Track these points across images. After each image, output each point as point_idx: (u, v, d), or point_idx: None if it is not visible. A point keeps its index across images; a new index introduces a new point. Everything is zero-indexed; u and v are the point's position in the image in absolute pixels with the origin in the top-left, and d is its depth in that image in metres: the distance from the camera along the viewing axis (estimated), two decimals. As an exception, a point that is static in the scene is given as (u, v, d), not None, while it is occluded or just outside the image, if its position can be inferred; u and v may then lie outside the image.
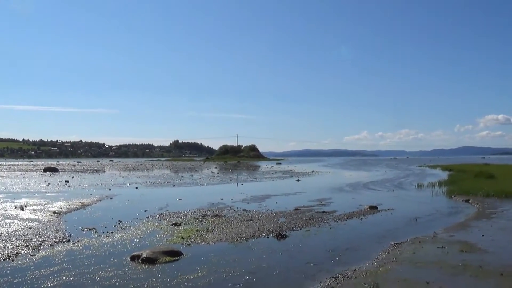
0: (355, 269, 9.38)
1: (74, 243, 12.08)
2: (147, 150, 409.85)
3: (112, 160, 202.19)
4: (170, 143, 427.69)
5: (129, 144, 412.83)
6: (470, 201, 22.09)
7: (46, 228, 14.32)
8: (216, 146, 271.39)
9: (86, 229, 14.28)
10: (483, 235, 12.84)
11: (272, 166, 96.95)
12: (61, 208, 19.57)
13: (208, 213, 17.89)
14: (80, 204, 21.41)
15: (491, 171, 41.48)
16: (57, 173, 61.83)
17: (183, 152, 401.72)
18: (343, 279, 8.64)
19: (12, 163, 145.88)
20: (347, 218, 16.72)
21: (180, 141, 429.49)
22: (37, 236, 12.94)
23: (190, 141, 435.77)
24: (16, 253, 10.88)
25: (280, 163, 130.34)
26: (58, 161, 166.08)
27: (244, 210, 19.19)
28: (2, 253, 10.86)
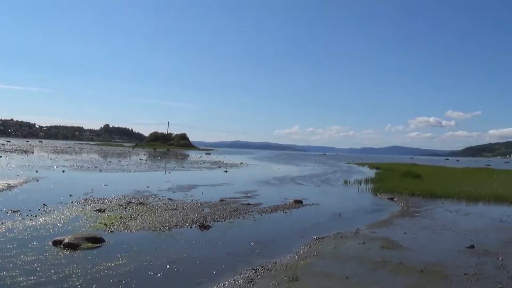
0: (275, 262, 9.79)
1: (-2, 225, 12.06)
2: (77, 133, 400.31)
3: (42, 141, 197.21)
4: (101, 127, 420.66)
5: (60, 126, 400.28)
6: (395, 199, 23.29)
7: (-32, 209, 14.16)
8: (147, 132, 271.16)
9: (10, 211, 14.32)
10: (405, 233, 13.66)
11: (201, 156, 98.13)
12: (-14, 188, 19.23)
13: (133, 201, 18.12)
14: (6, 185, 21.34)
15: (418, 171, 43.59)
16: (-16, 152, 60.12)
17: (113, 137, 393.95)
18: (263, 271, 9.00)
19: None
20: (272, 211, 17.27)
21: (110, 126, 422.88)
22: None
23: (120, 126, 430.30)
24: None
25: (209, 153, 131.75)
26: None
27: (170, 199, 19.49)
28: None
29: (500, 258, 10.49)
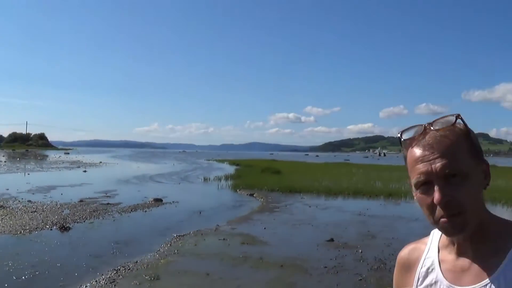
0: (136, 261, 9.79)
1: None
2: None
3: None
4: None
5: None
6: (254, 195, 23.90)
7: None
8: (5, 133, 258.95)
9: None
10: (265, 228, 14.04)
11: (60, 156, 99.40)
12: None
13: (-7, 204, 17.47)
14: None
15: (278, 167, 45.05)
16: None
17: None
18: (125, 271, 9.01)
19: None
20: (132, 211, 17.40)
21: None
22: None
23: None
24: None
25: (68, 153, 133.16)
26: None
27: (29, 201, 19.37)
28: None
29: (360, 251, 11.02)
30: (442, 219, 1.28)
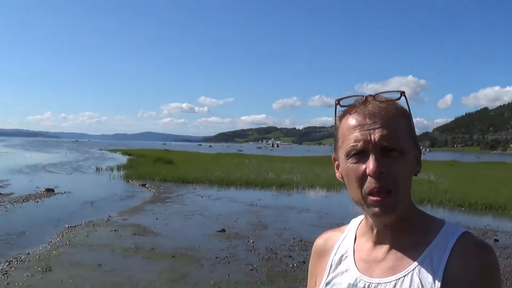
0: (29, 253, 9.57)
1: None
2: None
3: None
4: None
5: None
6: (147, 185, 23.72)
7: None
8: None
9: None
10: (157, 219, 13.93)
11: None
12: None
13: None
14: None
15: (171, 157, 44.82)
16: None
17: None
18: (17, 263, 8.81)
19: None
20: (24, 201, 16.97)
21: None
22: None
23: None
24: None
25: None
26: None
27: None
28: None
29: (251, 241, 11.17)
30: (373, 197, 1.19)
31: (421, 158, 1.31)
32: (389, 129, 1.19)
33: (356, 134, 1.21)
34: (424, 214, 1.31)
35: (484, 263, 1.16)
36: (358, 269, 1.30)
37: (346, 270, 1.34)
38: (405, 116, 1.25)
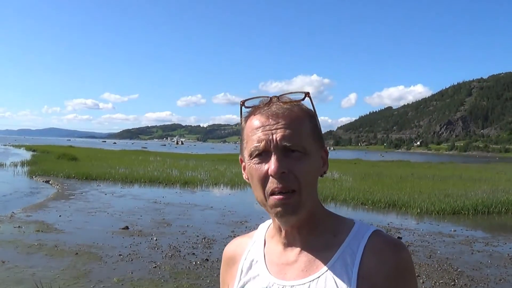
0: None
1: None
2: None
3: None
4: None
5: None
6: (50, 182, 23.07)
7: None
8: None
9: None
10: (60, 216, 13.60)
11: None
12: None
13: None
14: None
15: (75, 154, 43.57)
16: None
17: None
18: None
19: None
20: None
21: None
22: None
23: None
24: None
25: None
26: None
27: None
28: None
29: (155, 238, 11.13)
30: (275, 197, 1.17)
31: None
32: (291, 129, 1.17)
33: (259, 134, 1.19)
34: (334, 215, 1.30)
35: (397, 261, 1.16)
36: (270, 273, 1.27)
37: (258, 275, 1.30)
38: (310, 116, 1.24)
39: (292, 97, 1.24)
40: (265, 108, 1.22)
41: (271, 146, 1.17)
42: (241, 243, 1.43)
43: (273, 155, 1.16)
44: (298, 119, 1.20)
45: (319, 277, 1.19)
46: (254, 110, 1.25)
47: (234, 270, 1.38)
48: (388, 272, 1.15)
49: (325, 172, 1.28)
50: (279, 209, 1.17)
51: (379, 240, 1.21)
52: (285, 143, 1.16)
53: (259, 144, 1.18)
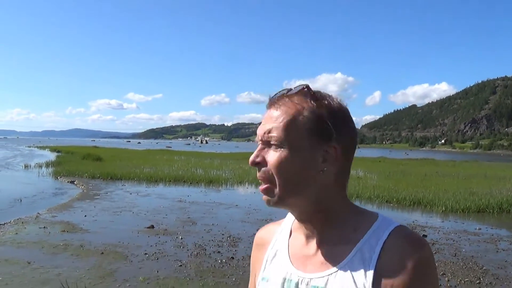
0: None
1: None
2: None
3: None
4: None
5: None
6: (75, 182, 23.30)
7: None
8: None
9: None
10: (85, 216, 13.71)
11: None
12: None
13: None
14: None
15: (99, 154, 43.95)
16: None
17: None
18: None
19: None
20: None
21: None
22: None
23: None
24: None
25: None
26: None
27: None
28: None
29: (180, 237, 11.17)
30: (260, 186, 1.25)
31: None
32: (277, 123, 1.20)
33: (259, 129, 1.27)
34: (356, 209, 1.30)
35: (416, 258, 1.13)
36: (292, 264, 1.29)
37: (281, 265, 1.32)
38: (308, 110, 1.21)
39: (296, 89, 1.25)
40: (274, 101, 1.25)
41: (260, 139, 1.24)
42: (270, 230, 1.46)
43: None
44: (290, 112, 1.20)
45: (337, 271, 1.19)
46: (269, 103, 1.27)
47: (261, 256, 1.41)
48: (406, 269, 1.12)
49: (322, 170, 1.22)
50: (263, 197, 1.25)
51: (400, 236, 1.18)
52: (266, 137, 1.22)
53: (256, 137, 1.27)
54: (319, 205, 1.24)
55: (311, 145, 1.20)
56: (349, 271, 1.17)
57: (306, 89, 1.23)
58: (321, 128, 1.20)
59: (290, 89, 1.25)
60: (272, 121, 1.21)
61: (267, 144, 1.22)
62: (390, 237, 1.18)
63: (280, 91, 1.26)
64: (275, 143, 1.20)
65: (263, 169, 1.22)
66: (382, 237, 1.18)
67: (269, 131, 1.21)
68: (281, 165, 1.19)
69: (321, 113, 1.20)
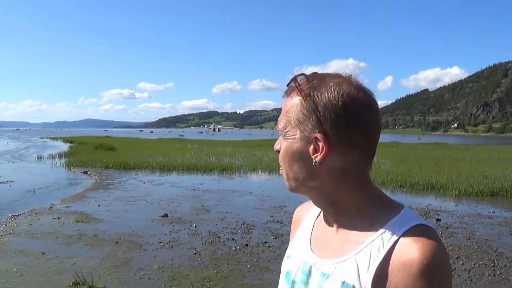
0: None
1: None
2: None
3: None
4: None
5: None
6: (88, 172, 23.44)
7: None
8: None
9: None
10: (99, 205, 13.79)
11: None
12: None
13: None
14: None
15: (112, 144, 44.16)
16: None
17: None
18: None
19: None
20: None
21: None
22: None
23: None
24: None
25: None
26: None
27: None
28: None
29: (194, 225, 11.19)
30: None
31: None
32: (283, 114, 1.26)
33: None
34: (379, 200, 1.26)
35: (423, 265, 1.07)
36: (310, 247, 1.33)
37: (303, 246, 1.36)
38: (307, 97, 1.20)
39: (302, 76, 1.25)
40: (291, 89, 1.27)
41: None
42: (306, 209, 1.50)
43: None
44: (289, 104, 1.25)
45: (345, 260, 1.20)
46: (287, 91, 1.29)
47: (294, 232, 1.49)
48: (410, 273, 1.08)
49: (315, 161, 1.19)
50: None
51: (413, 236, 1.13)
52: (279, 126, 1.28)
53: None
54: (328, 197, 1.25)
55: (303, 137, 1.21)
56: (355, 263, 1.17)
57: (297, 82, 1.23)
58: (312, 119, 1.19)
59: (302, 74, 1.24)
60: (287, 108, 1.25)
61: (280, 132, 1.27)
62: (404, 236, 1.14)
63: (291, 79, 1.25)
64: (280, 133, 1.27)
65: (279, 156, 1.29)
66: (397, 233, 1.15)
67: (280, 121, 1.27)
68: (283, 155, 1.26)
69: (312, 106, 1.19)
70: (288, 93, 1.27)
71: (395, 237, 1.14)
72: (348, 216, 1.25)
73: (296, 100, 1.22)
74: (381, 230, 1.18)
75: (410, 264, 1.08)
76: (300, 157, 1.22)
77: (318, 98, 1.18)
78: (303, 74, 1.24)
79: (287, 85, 1.27)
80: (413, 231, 1.14)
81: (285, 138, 1.25)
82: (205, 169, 24.89)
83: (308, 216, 1.45)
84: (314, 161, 1.20)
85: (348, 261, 1.18)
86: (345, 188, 1.23)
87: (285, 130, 1.24)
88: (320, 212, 1.39)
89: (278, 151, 1.28)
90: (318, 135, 1.17)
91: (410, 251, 1.10)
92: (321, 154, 1.19)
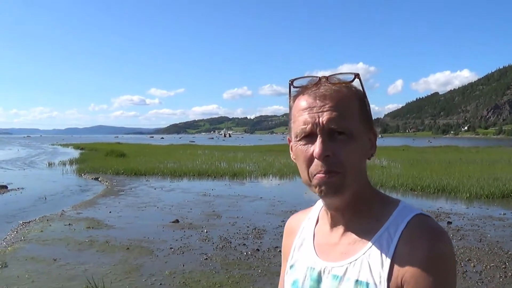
0: None
1: None
2: None
3: None
4: None
5: None
6: (99, 179, 23.55)
7: None
8: None
9: None
10: (110, 212, 13.84)
11: None
12: None
13: None
14: None
15: (123, 150, 44.35)
16: None
17: None
18: None
19: None
20: None
21: None
22: None
23: None
24: None
25: None
26: None
27: None
28: None
29: (205, 231, 11.21)
30: (319, 175, 1.18)
31: None
32: (338, 111, 1.17)
33: (306, 116, 1.19)
34: (381, 197, 1.30)
35: (430, 250, 1.12)
36: (316, 252, 1.33)
37: (306, 253, 1.36)
38: (358, 98, 1.22)
39: (342, 78, 1.23)
40: (313, 89, 1.22)
41: (317, 129, 1.18)
42: (299, 219, 1.50)
43: (318, 138, 1.17)
44: (346, 100, 1.19)
45: (356, 260, 1.21)
46: (302, 90, 1.24)
47: (290, 244, 1.45)
48: (418, 261, 1.11)
49: (372, 155, 1.28)
50: (322, 187, 1.18)
51: (417, 225, 1.18)
52: (331, 126, 1.17)
53: (305, 126, 1.19)
54: (362, 195, 1.26)
55: (364, 132, 1.23)
56: (366, 261, 1.19)
57: (358, 77, 1.22)
58: (368, 115, 1.25)
59: (331, 75, 1.23)
60: (334, 109, 1.18)
61: (330, 133, 1.18)
62: (408, 227, 1.18)
63: (330, 76, 1.23)
64: (344, 133, 1.18)
65: (331, 160, 1.17)
66: (400, 226, 1.19)
67: (334, 120, 1.17)
68: (353, 155, 1.19)
69: (367, 102, 1.26)
70: (328, 89, 1.21)
71: (400, 229, 1.18)
72: (359, 216, 1.26)
73: (353, 96, 1.22)
74: (386, 224, 1.21)
75: (418, 252, 1.12)
76: (364, 154, 1.25)
77: (364, 94, 1.26)
78: (353, 73, 1.23)
79: (317, 81, 1.23)
80: (416, 221, 1.19)
81: (352, 136, 1.18)
82: (216, 174, 24.90)
83: (303, 225, 1.45)
84: (370, 156, 1.27)
85: (359, 260, 1.20)
86: (367, 184, 1.29)
87: (353, 128, 1.19)
88: (318, 220, 1.41)
89: (328, 156, 1.17)
90: (374, 129, 1.26)
91: (417, 239, 1.14)
92: (374, 148, 1.28)
